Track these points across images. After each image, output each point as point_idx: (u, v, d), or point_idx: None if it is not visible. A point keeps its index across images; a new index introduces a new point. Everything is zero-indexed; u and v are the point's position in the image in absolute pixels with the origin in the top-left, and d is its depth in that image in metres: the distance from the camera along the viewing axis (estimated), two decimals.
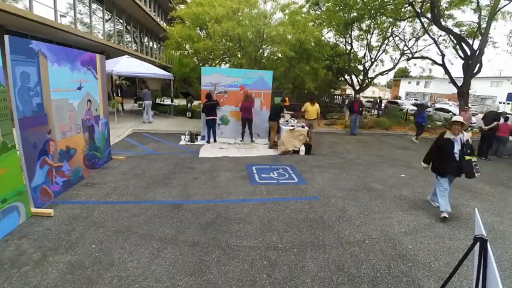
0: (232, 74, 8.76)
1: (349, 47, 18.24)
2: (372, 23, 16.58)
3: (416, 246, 3.34)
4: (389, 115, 16.01)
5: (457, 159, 3.95)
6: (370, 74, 19.78)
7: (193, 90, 15.04)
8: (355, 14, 15.32)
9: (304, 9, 15.93)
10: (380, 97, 24.60)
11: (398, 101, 25.75)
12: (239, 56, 12.39)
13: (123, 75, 11.69)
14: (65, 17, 12.26)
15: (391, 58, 19.53)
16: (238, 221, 3.70)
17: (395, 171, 6.43)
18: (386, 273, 2.83)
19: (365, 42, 18.27)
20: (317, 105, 8.83)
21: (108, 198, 4.18)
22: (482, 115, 10.44)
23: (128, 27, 19.73)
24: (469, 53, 12.52)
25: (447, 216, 3.98)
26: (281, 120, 8.17)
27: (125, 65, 11.18)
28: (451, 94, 26.73)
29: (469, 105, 11.60)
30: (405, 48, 17.98)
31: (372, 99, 26.32)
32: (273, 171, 5.87)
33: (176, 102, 14.57)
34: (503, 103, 29.63)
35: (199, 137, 8.50)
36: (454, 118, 4.13)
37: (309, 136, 7.70)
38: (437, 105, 24.00)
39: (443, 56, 14.91)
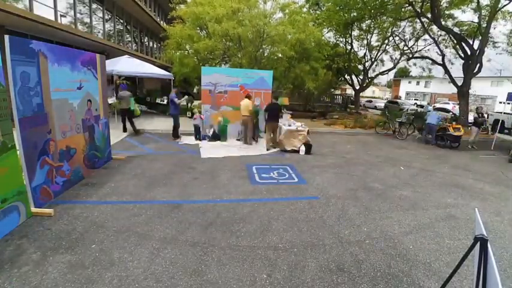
0: (232, 74, 8.77)
1: (349, 47, 18.27)
2: (372, 23, 16.60)
3: (416, 246, 3.34)
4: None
5: None
6: (370, 74, 19.83)
7: (193, 90, 15.03)
8: (355, 13, 15.34)
9: (304, 9, 15.95)
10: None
11: (399, 100, 25.76)
12: (239, 56, 12.39)
13: (123, 75, 11.67)
14: (65, 16, 12.24)
15: (391, 58, 19.51)
16: (238, 221, 3.70)
17: (395, 171, 6.43)
18: (387, 273, 2.83)
19: (365, 42, 18.33)
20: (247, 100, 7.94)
21: (108, 198, 4.18)
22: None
23: (128, 27, 19.72)
24: (469, 52, 12.53)
25: None
26: (280, 120, 8.13)
27: (125, 65, 11.17)
28: (451, 94, 26.73)
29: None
30: (405, 48, 18.02)
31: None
32: (273, 171, 5.87)
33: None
34: (504, 103, 29.61)
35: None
36: None
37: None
38: (437, 105, 24.00)
39: (443, 55, 14.93)
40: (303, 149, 7.49)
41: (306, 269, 2.81)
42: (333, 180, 5.56)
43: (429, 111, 10.78)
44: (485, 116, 11.00)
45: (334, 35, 18.47)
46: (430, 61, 16.74)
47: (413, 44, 17.71)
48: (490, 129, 14.13)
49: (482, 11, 12.39)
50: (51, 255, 2.77)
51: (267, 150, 7.72)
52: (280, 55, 12.80)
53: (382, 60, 19.85)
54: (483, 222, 1.71)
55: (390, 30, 17.15)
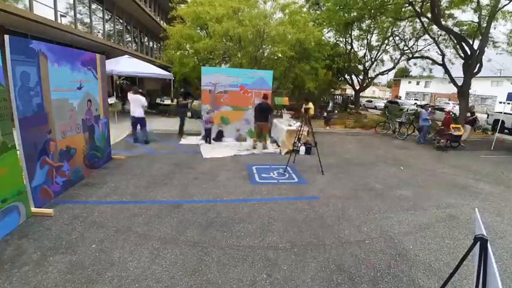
0: (232, 74, 8.76)
1: (349, 47, 18.26)
2: (372, 23, 16.57)
3: (416, 246, 3.34)
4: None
5: None
6: (370, 74, 19.80)
7: (194, 90, 15.02)
8: (355, 13, 15.31)
9: (304, 9, 15.93)
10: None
11: (399, 100, 25.77)
12: (239, 56, 12.38)
13: (123, 75, 11.67)
14: (65, 16, 12.24)
15: (391, 58, 19.49)
16: (238, 221, 3.70)
17: (395, 171, 6.43)
18: (387, 273, 2.83)
19: (365, 42, 18.30)
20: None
21: (108, 198, 4.18)
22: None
23: (128, 27, 19.72)
24: (469, 52, 12.51)
25: None
26: (281, 120, 8.13)
27: (125, 65, 11.17)
28: (451, 94, 26.69)
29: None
30: (405, 47, 17.98)
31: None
32: (273, 171, 5.87)
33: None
34: (504, 103, 29.60)
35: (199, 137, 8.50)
36: None
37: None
38: (437, 105, 24.02)
39: (443, 55, 14.90)
40: (302, 149, 7.49)
41: (306, 269, 2.81)
42: (333, 180, 5.56)
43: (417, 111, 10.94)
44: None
45: (334, 35, 18.45)
46: (430, 61, 16.71)
47: (413, 44, 17.67)
48: (490, 128, 14.17)
49: (482, 11, 12.37)
50: (51, 255, 2.78)
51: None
52: (280, 55, 12.79)
53: (382, 60, 19.83)
54: (483, 222, 1.71)
55: (390, 30, 17.12)
